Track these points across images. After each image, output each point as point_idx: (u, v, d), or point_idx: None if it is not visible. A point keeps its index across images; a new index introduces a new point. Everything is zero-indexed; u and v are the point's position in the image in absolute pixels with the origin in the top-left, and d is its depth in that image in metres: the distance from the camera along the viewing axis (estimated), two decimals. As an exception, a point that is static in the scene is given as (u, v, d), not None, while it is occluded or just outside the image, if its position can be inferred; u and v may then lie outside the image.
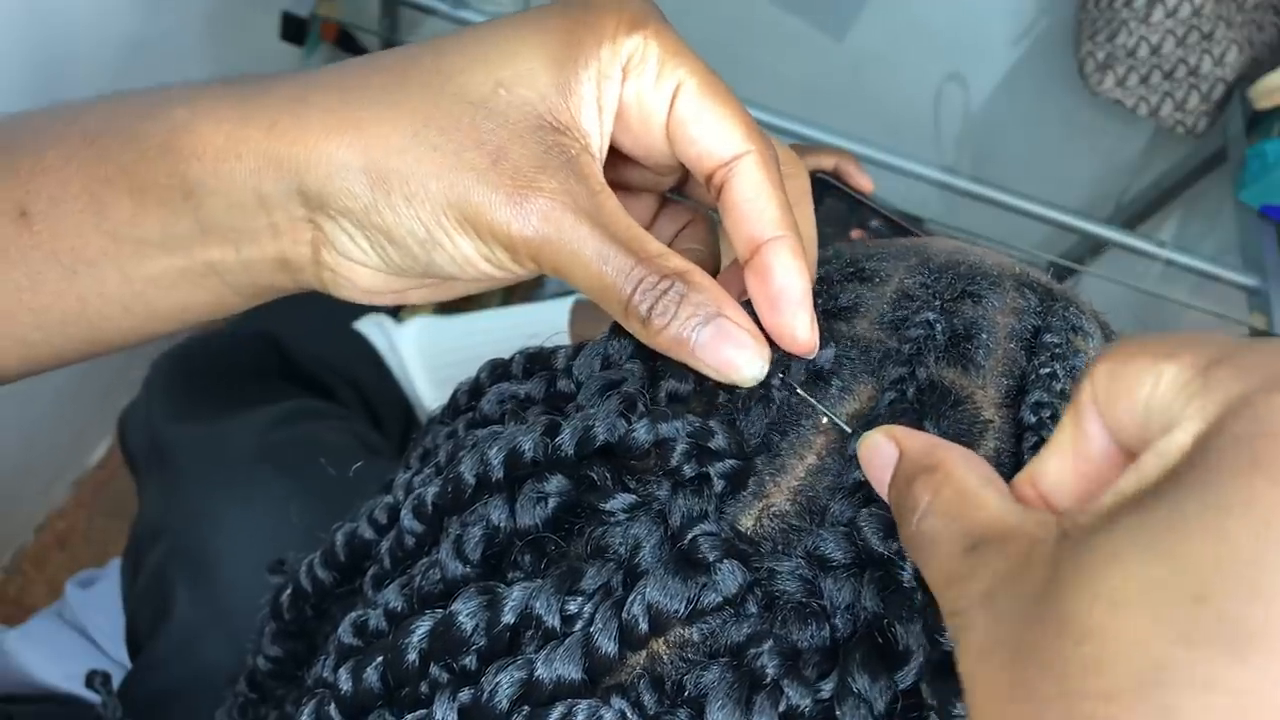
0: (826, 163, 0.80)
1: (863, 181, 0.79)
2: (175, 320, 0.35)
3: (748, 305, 0.31)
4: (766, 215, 0.31)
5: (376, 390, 0.84)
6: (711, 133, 0.31)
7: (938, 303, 0.32)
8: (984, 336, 0.31)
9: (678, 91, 0.30)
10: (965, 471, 0.23)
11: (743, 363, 0.29)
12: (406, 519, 0.32)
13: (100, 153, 0.32)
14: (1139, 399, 0.21)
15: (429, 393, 0.89)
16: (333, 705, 0.29)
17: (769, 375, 0.30)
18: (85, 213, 0.32)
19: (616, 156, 0.34)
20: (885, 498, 0.26)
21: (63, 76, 0.93)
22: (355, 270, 0.32)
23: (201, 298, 0.34)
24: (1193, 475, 0.18)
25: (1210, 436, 0.18)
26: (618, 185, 0.35)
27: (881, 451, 0.26)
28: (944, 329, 0.31)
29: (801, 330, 0.30)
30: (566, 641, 0.26)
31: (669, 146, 0.32)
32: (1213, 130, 1.28)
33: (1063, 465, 0.23)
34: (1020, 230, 1.25)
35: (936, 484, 0.24)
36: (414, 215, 0.29)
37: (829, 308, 0.33)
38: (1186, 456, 0.19)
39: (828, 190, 0.78)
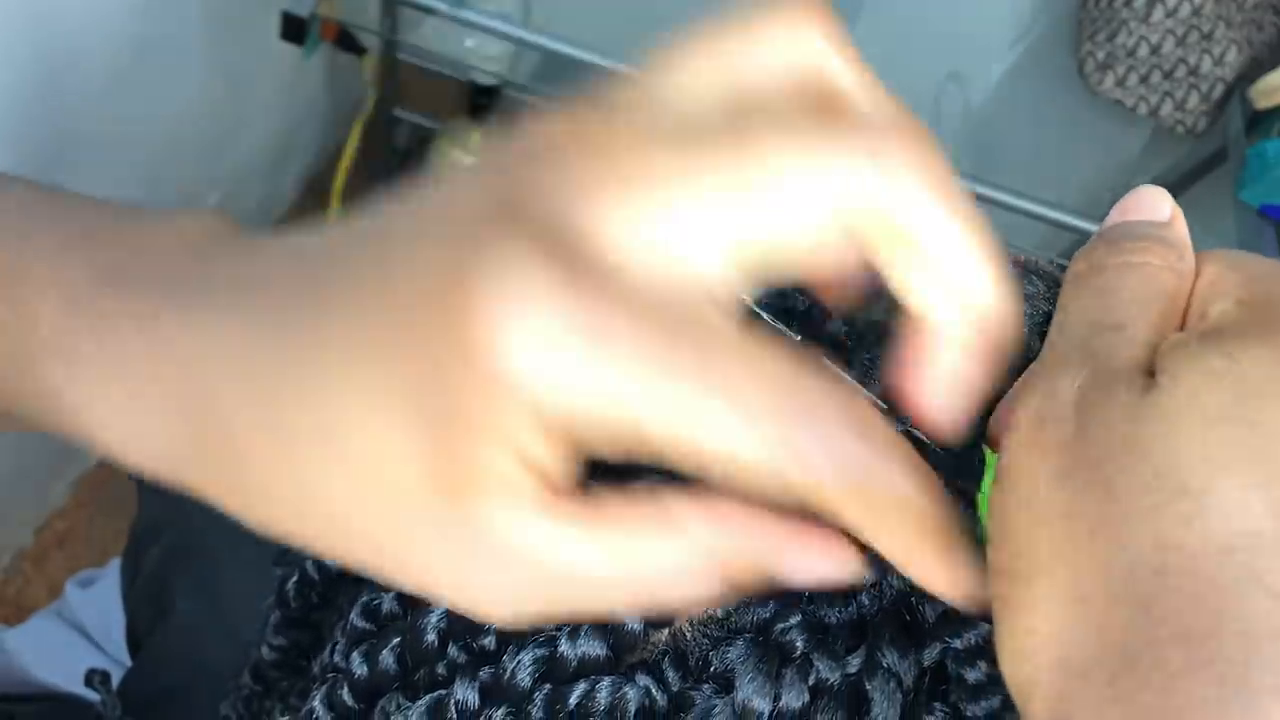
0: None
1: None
2: None
3: None
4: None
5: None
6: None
7: None
8: None
9: None
10: (1183, 283, 0.23)
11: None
12: None
13: None
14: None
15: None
16: (345, 689, 0.29)
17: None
18: None
19: None
20: (1112, 219, 0.25)
21: (62, 76, 0.92)
22: None
23: None
24: (1269, 340, 0.20)
25: (1266, 310, 0.20)
26: None
27: (1160, 204, 0.24)
28: None
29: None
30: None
31: None
32: (1213, 130, 1.28)
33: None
34: (1020, 229, 1.25)
35: (1170, 270, 0.23)
36: None
37: None
38: (1243, 318, 0.21)
39: None
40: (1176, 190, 1.36)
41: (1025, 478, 0.21)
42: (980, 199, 1.18)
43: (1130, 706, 0.18)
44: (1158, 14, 1.21)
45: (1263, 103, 1.19)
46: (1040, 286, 0.33)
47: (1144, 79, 1.26)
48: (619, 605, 0.22)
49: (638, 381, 0.19)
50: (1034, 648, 0.19)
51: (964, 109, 1.47)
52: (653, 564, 0.21)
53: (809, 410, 0.20)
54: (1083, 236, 1.21)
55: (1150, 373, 0.21)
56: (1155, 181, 1.40)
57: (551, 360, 0.18)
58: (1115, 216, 0.25)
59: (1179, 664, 0.17)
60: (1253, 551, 0.18)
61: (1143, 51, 1.24)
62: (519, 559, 0.20)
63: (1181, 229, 0.24)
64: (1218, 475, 0.18)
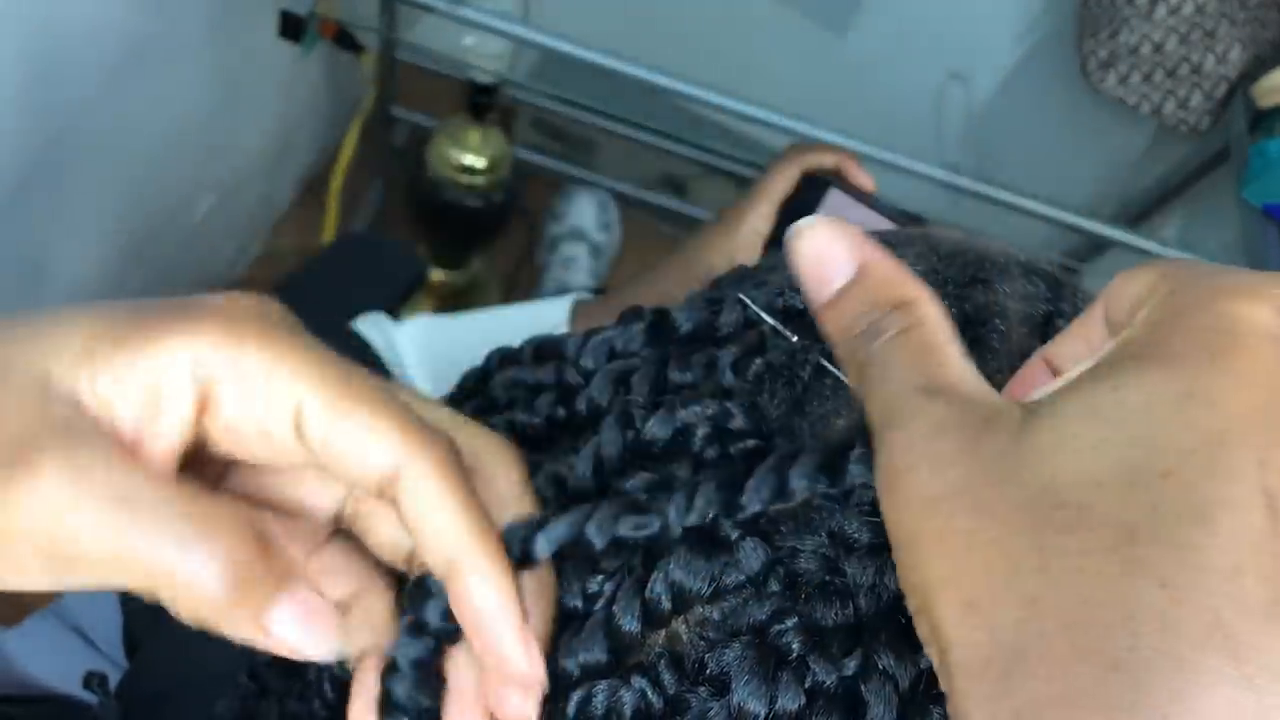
0: (828, 161, 0.79)
1: (864, 181, 0.79)
2: None
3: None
4: (446, 539, 0.25)
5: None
6: (353, 453, 0.25)
7: (950, 288, 0.32)
8: (996, 321, 0.31)
9: (300, 415, 0.25)
10: (938, 323, 0.23)
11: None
12: None
13: None
14: (1129, 293, 0.23)
15: (429, 391, 0.89)
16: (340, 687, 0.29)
17: (804, 354, 0.29)
18: None
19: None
20: (813, 299, 0.25)
21: (58, 75, 0.92)
22: None
23: None
24: (1158, 363, 0.20)
25: (1168, 327, 0.21)
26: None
27: (836, 264, 0.24)
28: (957, 314, 0.31)
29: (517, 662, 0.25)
30: (588, 621, 0.25)
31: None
32: (1216, 128, 1.28)
33: (1071, 347, 0.26)
34: (1023, 229, 1.25)
35: (907, 325, 0.23)
36: None
37: None
38: (1145, 340, 0.21)
39: (829, 189, 0.77)
40: (1180, 189, 1.36)
41: (899, 514, 0.22)
42: (983, 198, 1.17)
43: (1020, 698, 0.18)
44: (1160, 11, 1.21)
45: (1266, 101, 1.18)
46: (1041, 286, 0.33)
47: (1147, 77, 1.26)
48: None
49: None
50: (940, 657, 0.20)
51: (966, 108, 1.47)
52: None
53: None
54: (1085, 236, 1.21)
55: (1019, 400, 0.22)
56: (1158, 181, 1.41)
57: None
58: (810, 278, 0.25)
59: (1065, 651, 0.18)
60: (1135, 543, 0.18)
61: (1145, 50, 1.24)
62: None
63: (880, 272, 0.24)
64: (1095, 489, 0.19)
